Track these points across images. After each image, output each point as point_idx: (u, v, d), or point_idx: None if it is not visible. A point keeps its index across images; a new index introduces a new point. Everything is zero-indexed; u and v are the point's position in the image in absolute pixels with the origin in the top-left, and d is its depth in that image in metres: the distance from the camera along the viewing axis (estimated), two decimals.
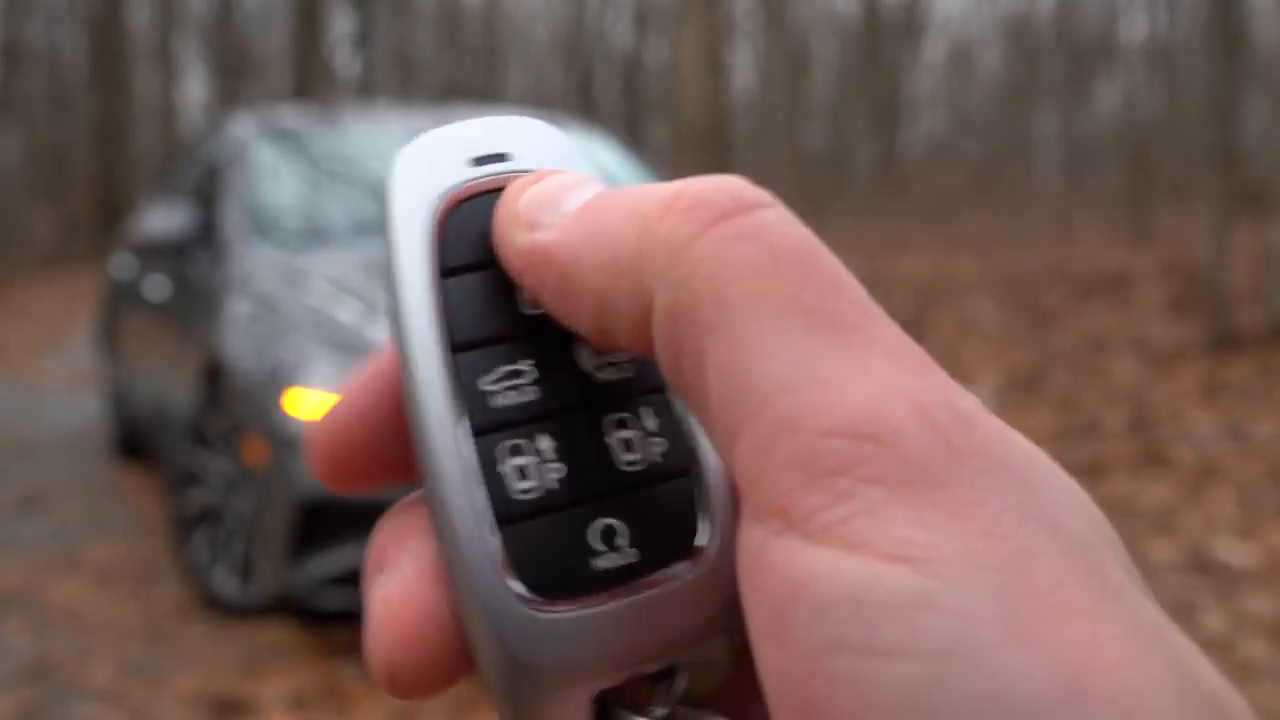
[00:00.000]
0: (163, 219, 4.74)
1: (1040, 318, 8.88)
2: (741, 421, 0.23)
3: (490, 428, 0.28)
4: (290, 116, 5.45)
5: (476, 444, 0.27)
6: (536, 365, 0.29)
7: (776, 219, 0.25)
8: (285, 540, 3.37)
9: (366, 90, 23.69)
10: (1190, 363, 7.17)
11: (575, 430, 0.28)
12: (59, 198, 20.84)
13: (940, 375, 0.24)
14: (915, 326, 8.41)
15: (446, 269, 0.29)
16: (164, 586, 4.00)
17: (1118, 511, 4.29)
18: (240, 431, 3.69)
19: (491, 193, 0.30)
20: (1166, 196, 14.19)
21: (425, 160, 0.30)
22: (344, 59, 24.15)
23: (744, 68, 24.11)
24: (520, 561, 0.27)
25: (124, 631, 3.65)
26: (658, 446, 0.28)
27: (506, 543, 0.27)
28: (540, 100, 23.89)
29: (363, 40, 24.08)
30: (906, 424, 0.23)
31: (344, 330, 3.66)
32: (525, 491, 0.27)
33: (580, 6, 26.22)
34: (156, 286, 5.16)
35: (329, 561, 3.31)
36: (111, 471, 5.79)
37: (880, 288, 9.59)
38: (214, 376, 3.96)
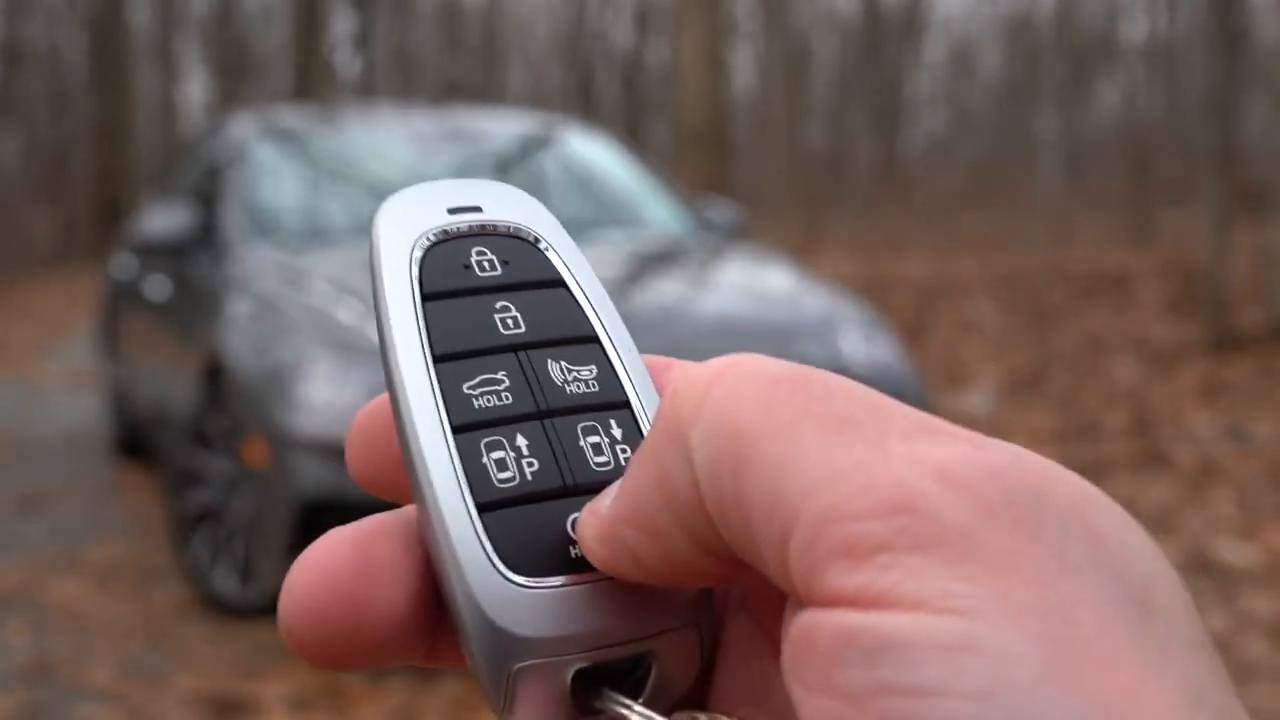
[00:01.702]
0: (163, 219, 4.73)
1: (1040, 318, 8.87)
2: (786, 532, 0.25)
3: (472, 425, 0.31)
4: (290, 116, 5.45)
5: (459, 439, 0.31)
6: (512, 374, 0.32)
7: (764, 359, 0.28)
8: (285, 540, 3.37)
9: (366, 90, 23.68)
10: (1190, 363, 7.17)
11: (549, 432, 0.32)
12: (59, 198, 20.83)
13: (963, 436, 0.25)
14: (915, 326, 8.41)
15: (429, 294, 0.33)
16: (164, 586, 4.00)
17: None
18: (240, 431, 3.69)
19: (465, 236, 0.34)
20: (1166, 196, 14.18)
21: (408, 206, 0.34)
22: (344, 59, 24.15)
23: (744, 68, 24.11)
24: (501, 543, 0.30)
25: (124, 631, 3.64)
26: (625, 453, 0.32)
27: (489, 525, 0.30)
28: (540, 100, 23.88)
29: (363, 40, 24.08)
30: (932, 489, 0.24)
31: (344, 330, 3.66)
32: (505, 481, 0.30)
33: (580, 6, 26.21)
34: (156, 286, 5.16)
35: None
36: (111, 471, 5.79)
37: (880, 288, 9.58)
38: (214, 376, 3.96)
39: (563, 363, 0.33)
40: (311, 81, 17.78)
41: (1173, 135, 17.08)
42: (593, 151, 5.35)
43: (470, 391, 0.31)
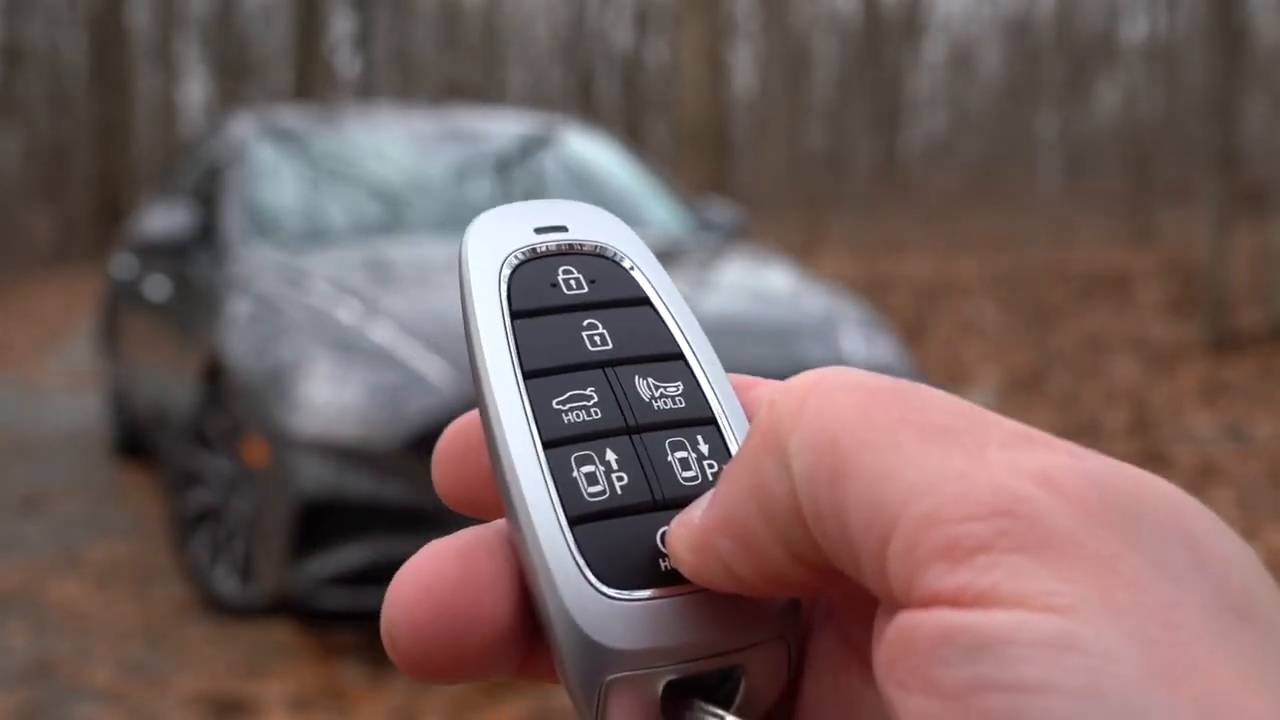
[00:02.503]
0: (163, 219, 4.73)
1: (1040, 318, 8.87)
2: (885, 538, 0.25)
3: (562, 440, 0.32)
4: (290, 116, 5.45)
5: (549, 454, 0.31)
6: (600, 390, 0.33)
7: (858, 372, 0.28)
8: (285, 540, 3.37)
9: (366, 90, 23.69)
10: (1190, 363, 7.17)
11: (637, 447, 0.32)
12: (59, 198, 20.84)
13: (1060, 446, 0.26)
14: (915, 326, 8.41)
15: (518, 311, 0.34)
16: (164, 586, 4.00)
17: None
18: (240, 431, 3.69)
19: (552, 255, 0.35)
20: (1166, 196, 14.19)
21: (496, 226, 0.35)
22: (344, 59, 24.16)
23: (744, 68, 24.12)
24: (592, 556, 0.30)
25: (124, 631, 3.65)
26: (712, 469, 0.32)
27: (580, 538, 0.30)
28: (540, 100, 23.88)
29: (363, 40, 24.09)
30: (1034, 493, 0.24)
31: (344, 330, 3.66)
32: (595, 495, 0.31)
33: (580, 6, 26.22)
34: (157, 286, 5.16)
35: (329, 561, 3.31)
36: (111, 471, 5.79)
37: (880, 288, 9.59)
38: (214, 376, 3.95)
39: (650, 379, 0.33)
40: (311, 81, 17.79)
41: (1173, 135, 17.09)
42: (593, 151, 5.35)
43: (560, 407, 0.32)
